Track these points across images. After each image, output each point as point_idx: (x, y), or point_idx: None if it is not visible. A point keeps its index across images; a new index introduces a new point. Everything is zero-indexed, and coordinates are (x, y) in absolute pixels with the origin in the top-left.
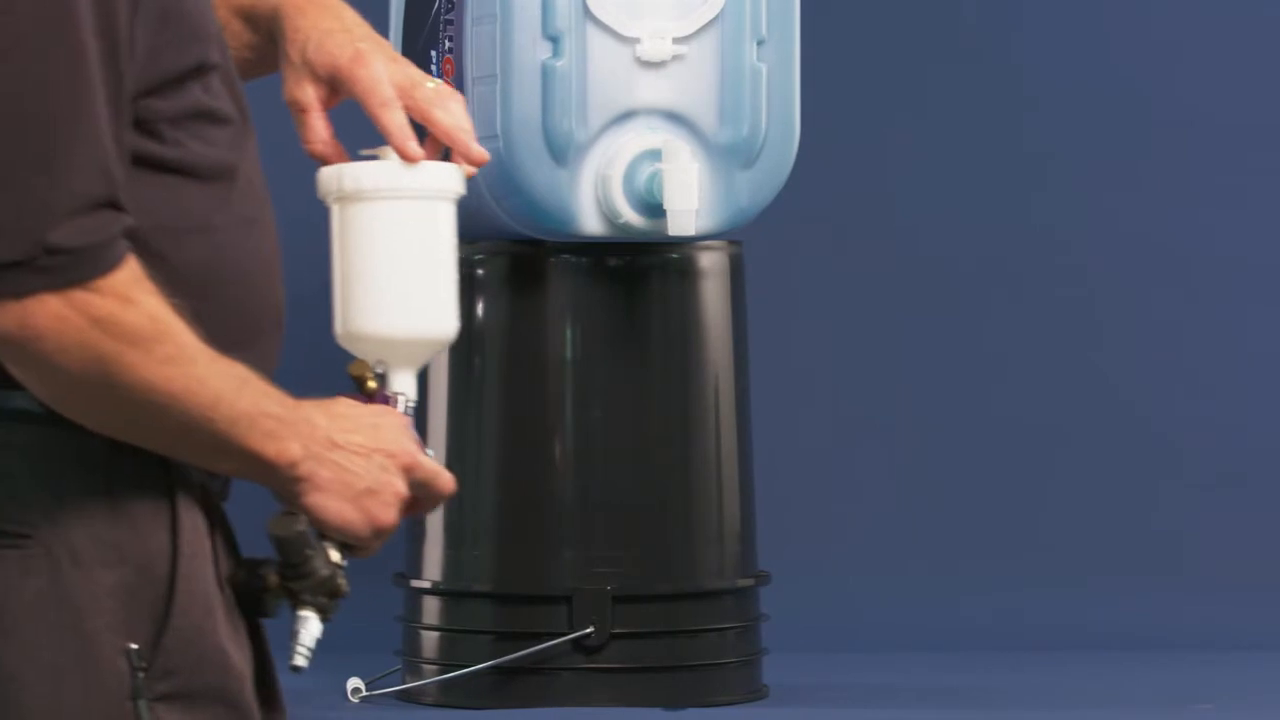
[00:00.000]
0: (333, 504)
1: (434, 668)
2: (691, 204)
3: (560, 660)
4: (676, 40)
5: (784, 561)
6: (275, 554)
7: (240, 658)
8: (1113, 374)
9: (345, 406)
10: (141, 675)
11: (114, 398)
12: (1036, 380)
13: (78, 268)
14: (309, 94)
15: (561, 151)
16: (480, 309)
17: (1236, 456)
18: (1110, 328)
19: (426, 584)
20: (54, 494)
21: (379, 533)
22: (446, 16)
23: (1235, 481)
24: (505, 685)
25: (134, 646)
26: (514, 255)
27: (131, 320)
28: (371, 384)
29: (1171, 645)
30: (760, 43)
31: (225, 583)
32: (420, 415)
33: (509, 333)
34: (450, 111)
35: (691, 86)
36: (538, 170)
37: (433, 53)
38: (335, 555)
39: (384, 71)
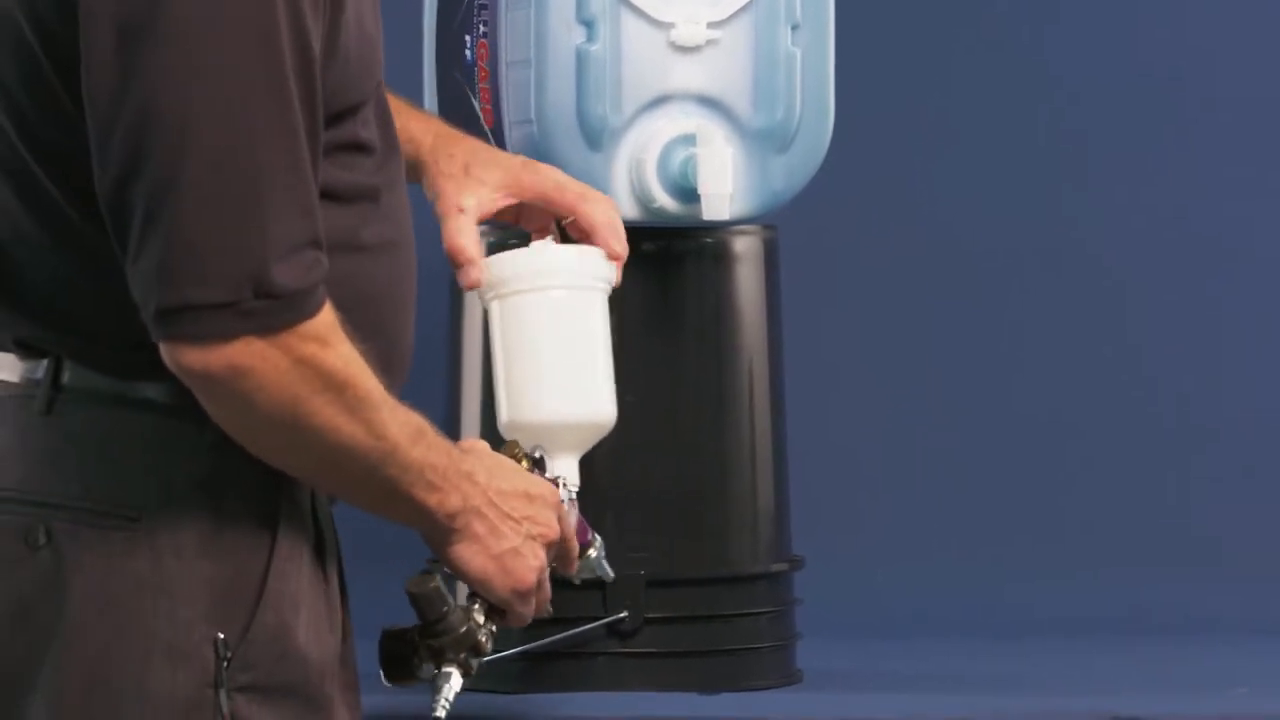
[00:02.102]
0: (477, 558)
1: None
2: (726, 188)
3: (594, 645)
4: (710, 25)
5: (818, 546)
6: (415, 614)
7: (323, 653)
8: (1148, 364)
9: (508, 468)
10: (226, 665)
11: (302, 438)
12: (1073, 368)
13: (287, 311)
14: (471, 201)
15: (596, 136)
16: None
17: (1257, 448)
18: (1154, 319)
19: None
20: (164, 484)
21: (518, 594)
22: (480, 1)
23: (1249, 473)
24: (539, 670)
25: (221, 636)
26: None
27: (329, 364)
28: (524, 465)
29: (1214, 630)
30: (794, 27)
31: (379, 651)
32: (453, 403)
33: None
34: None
35: (726, 71)
36: (572, 155)
37: (467, 38)
38: (480, 617)
39: (560, 175)
